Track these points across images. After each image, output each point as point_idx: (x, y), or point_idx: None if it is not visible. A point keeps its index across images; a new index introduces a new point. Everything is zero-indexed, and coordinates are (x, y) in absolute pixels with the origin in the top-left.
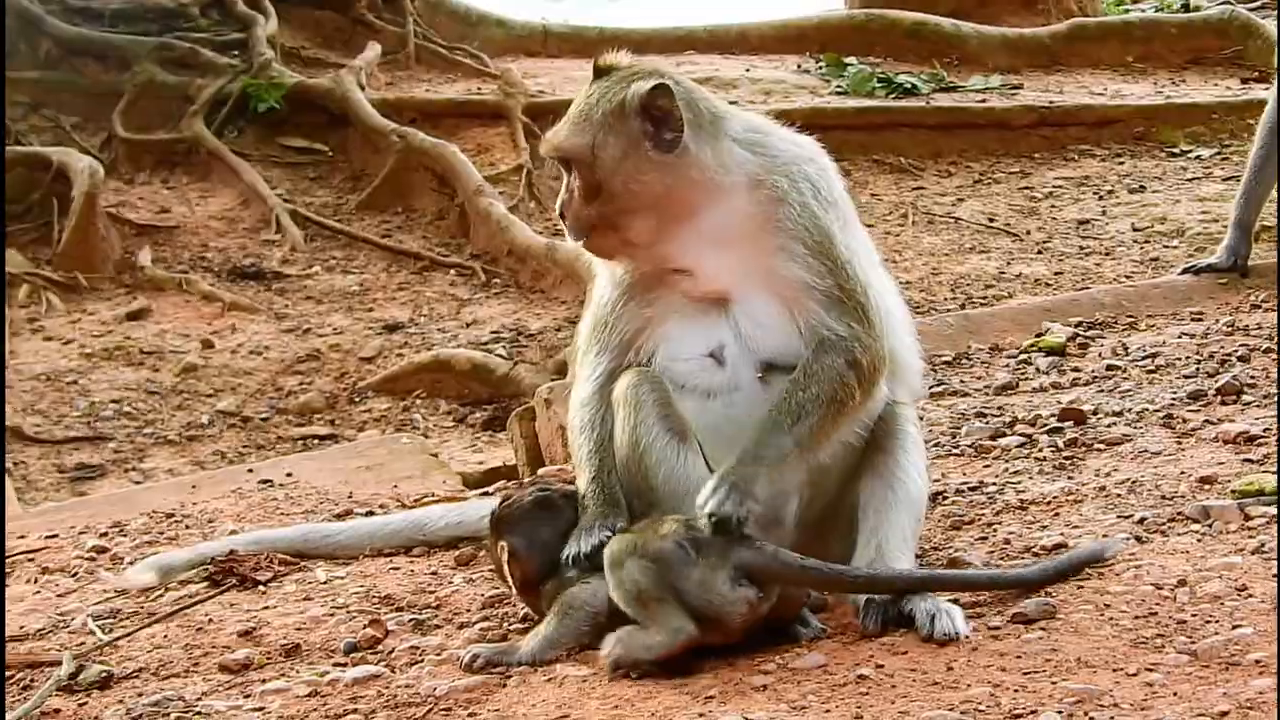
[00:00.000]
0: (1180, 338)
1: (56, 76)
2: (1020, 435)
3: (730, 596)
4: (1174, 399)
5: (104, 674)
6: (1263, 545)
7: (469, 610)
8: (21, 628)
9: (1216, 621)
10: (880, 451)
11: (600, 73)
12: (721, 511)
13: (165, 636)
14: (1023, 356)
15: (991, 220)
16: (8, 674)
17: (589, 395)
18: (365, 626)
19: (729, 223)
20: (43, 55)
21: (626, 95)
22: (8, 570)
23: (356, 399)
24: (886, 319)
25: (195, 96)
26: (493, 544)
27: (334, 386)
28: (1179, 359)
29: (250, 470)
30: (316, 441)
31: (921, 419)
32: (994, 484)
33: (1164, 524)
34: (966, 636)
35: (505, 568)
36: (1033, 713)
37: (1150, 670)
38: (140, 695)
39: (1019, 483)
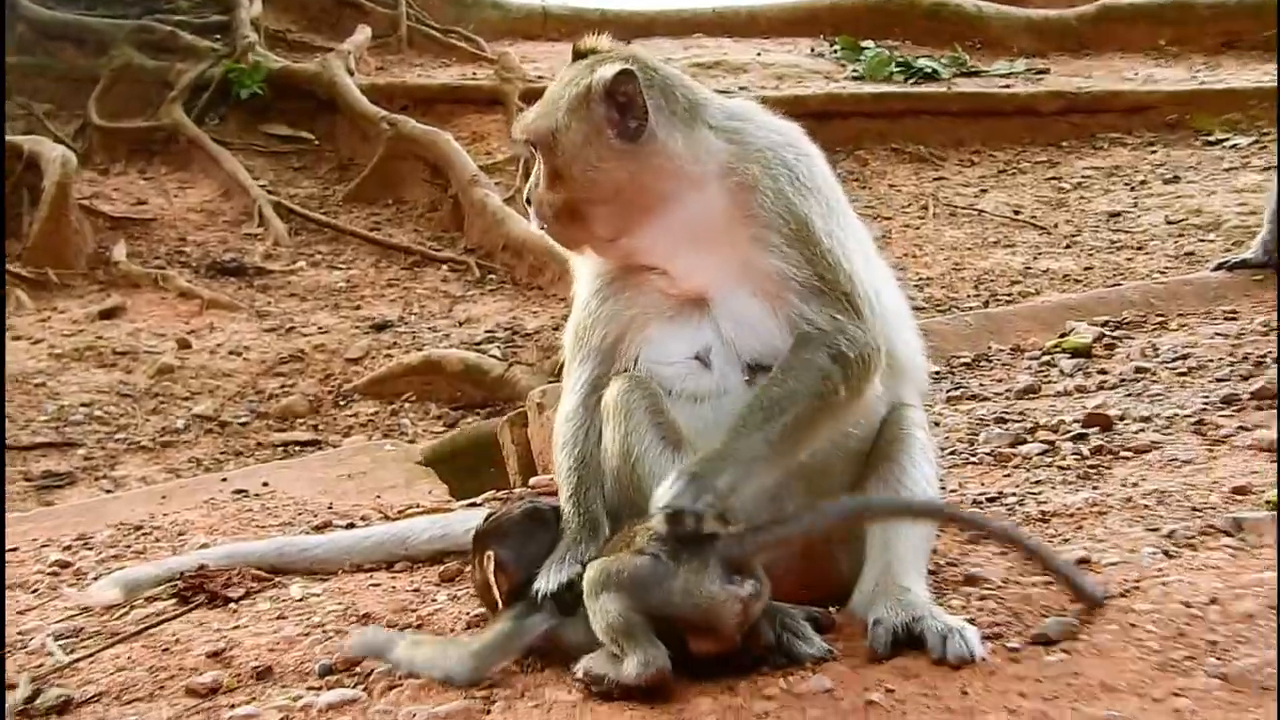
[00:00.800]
0: (1213, 338)
1: (29, 61)
2: (1042, 442)
3: (721, 596)
4: (1206, 403)
5: (62, 698)
6: None
7: (453, 630)
8: None
9: (1249, 642)
10: (886, 459)
11: (578, 56)
12: (675, 503)
13: (129, 658)
14: (1046, 358)
15: (1017, 212)
16: None
17: (573, 409)
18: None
19: (700, 215)
20: (15, 39)
21: (591, 80)
22: None
23: (342, 402)
24: (884, 314)
25: (174, 82)
26: (477, 557)
27: (318, 389)
28: (1211, 361)
29: (224, 479)
30: (299, 448)
31: (937, 425)
32: (1014, 494)
33: (1194, 537)
34: (982, 658)
35: (490, 581)
36: None
37: (1178, 695)
38: None
39: (1040, 493)
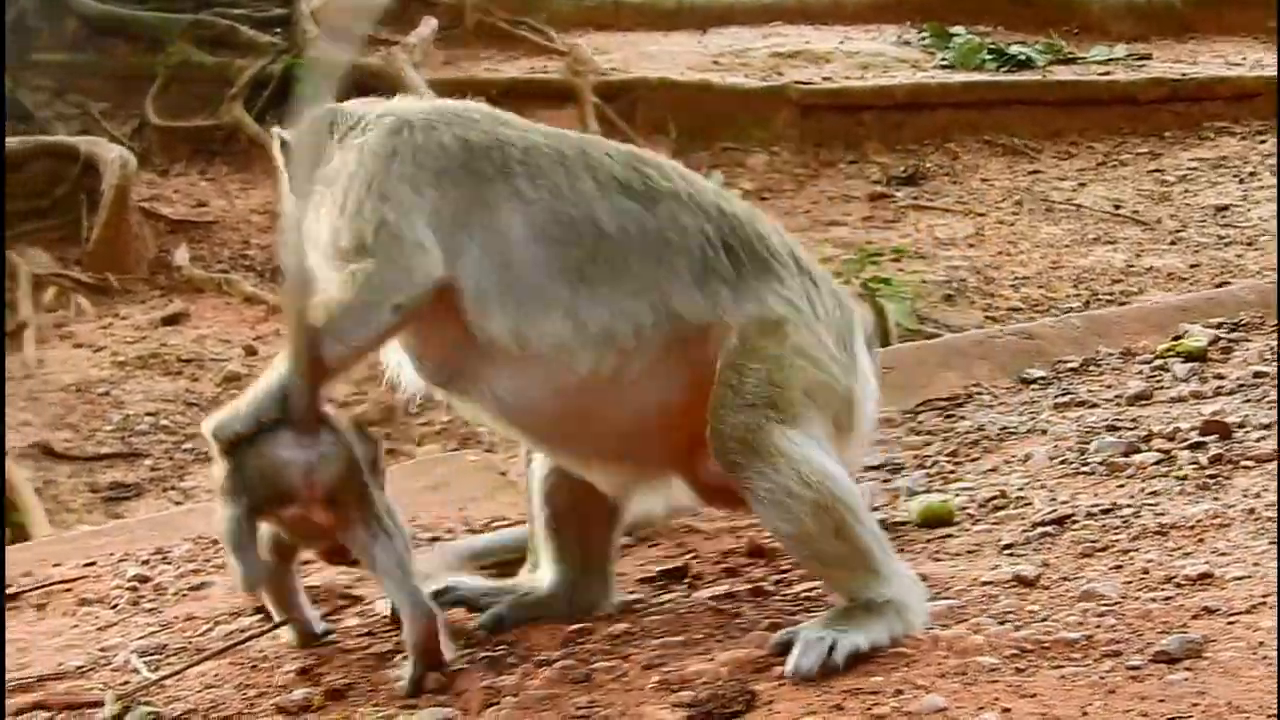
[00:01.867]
0: None
1: (83, 59)
2: (1157, 451)
3: (285, 457)
4: None
5: (151, 715)
6: None
7: (549, 647)
8: (60, 665)
9: None
10: None
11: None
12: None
13: (216, 675)
14: (1158, 362)
15: (1118, 207)
16: (46, 715)
17: None
18: None
19: None
20: (68, 36)
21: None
22: (43, 602)
23: (415, 410)
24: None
25: (234, 79)
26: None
27: (390, 396)
28: None
29: None
30: None
31: (1045, 432)
32: (1129, 506)
33: None
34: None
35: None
36: None
37: None
38: None
39: (1157, 504)
